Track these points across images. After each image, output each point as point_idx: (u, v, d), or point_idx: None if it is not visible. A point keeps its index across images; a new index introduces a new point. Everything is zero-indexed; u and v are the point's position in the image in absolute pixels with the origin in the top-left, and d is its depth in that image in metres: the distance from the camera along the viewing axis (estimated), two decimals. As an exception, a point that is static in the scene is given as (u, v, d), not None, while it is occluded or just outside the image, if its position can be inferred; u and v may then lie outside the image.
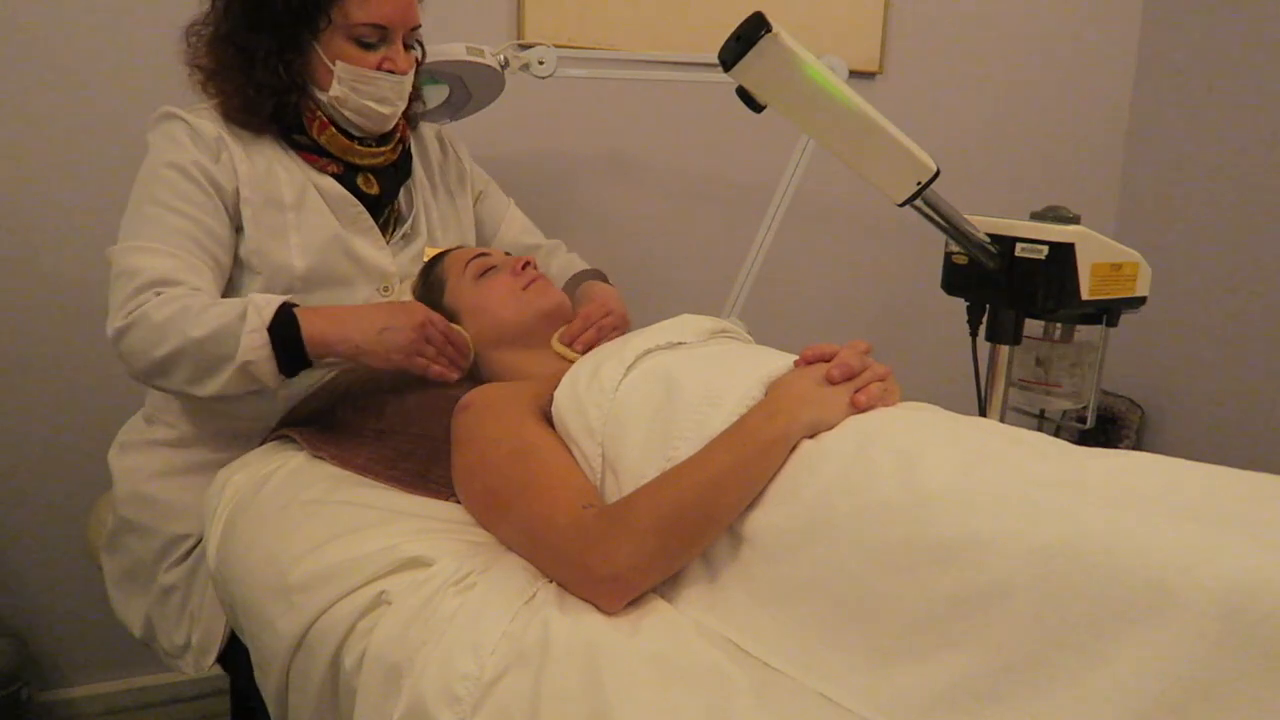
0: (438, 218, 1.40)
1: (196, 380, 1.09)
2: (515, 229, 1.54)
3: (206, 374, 1.08)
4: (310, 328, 1.10)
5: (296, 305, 1.12)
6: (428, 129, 1.44)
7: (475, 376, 1.22)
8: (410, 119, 1.36)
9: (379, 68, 1.21)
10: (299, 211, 1.22)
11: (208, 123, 1.19)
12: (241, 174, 1.19)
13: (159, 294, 1.09)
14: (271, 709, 0.98)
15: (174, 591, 1.24)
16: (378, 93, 1.22)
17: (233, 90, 1.19)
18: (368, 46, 1.20)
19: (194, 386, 1.09)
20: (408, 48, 1.25)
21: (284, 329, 1.08)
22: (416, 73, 1.30)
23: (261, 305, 1.09)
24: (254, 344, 1.07)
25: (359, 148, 1.27)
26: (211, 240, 1.17)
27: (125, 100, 1.58)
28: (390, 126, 1.28)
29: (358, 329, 1.12)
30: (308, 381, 1.22)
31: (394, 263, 1.31)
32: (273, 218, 1.21)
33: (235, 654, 1.19)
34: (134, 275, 1.10)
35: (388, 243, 1.32)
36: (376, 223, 1.30)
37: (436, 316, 1.15)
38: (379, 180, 1.30)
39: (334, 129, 1.24)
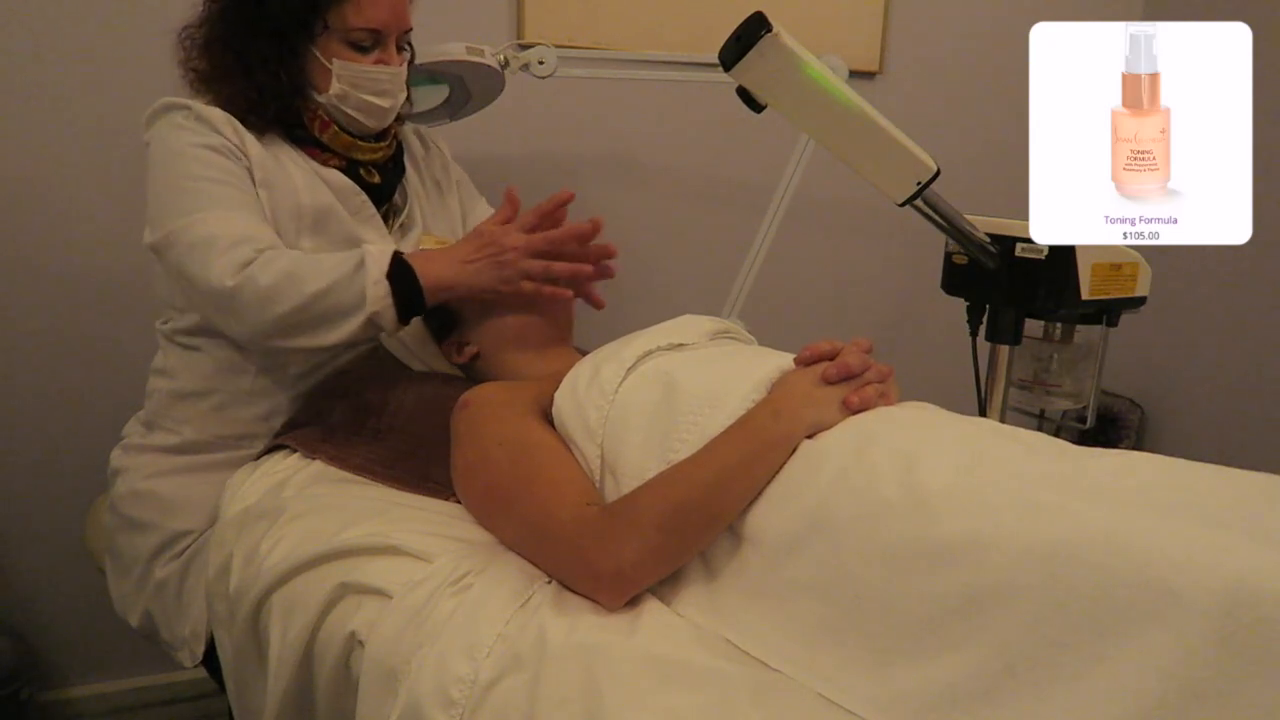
0: (428, 208, 1.42)
1: (317, 333, 1.10)
2: None
3: (329, 326, 1.09)
4: (426, 275, 1.11)
5: (404, 253, 1.13)
6: (406, 127, 1.45)
7: (477, 376, 1.22)
8: (397, 117, 1.37)
9: None
10: (309, 199, 1.23)
11: (215, 109, 1.20)
12: (254, 157, 1.19)
13: (256, 250, 1.09)
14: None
15: (167, 585, 1.24)
16: (377, 86, 1.23)
17: (234, 93, 1.20)
18: (362, 50, 1.22)
19: (314, 339, 1.10)
20: (399, 49, 1.27)
21: (402, 278, 1.09)
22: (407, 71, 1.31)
23: (377, 255, 1.10)
24: (379, 294, 1.08)
25: (361, 144, 1.28)
26: (260, 205, 1.18)
27: (126, 97, 1.57)
28: (390, 119, 1.30)
29: (464, 268, 1.13)
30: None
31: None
32: (282, 205, 1.21)
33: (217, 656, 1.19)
34: (213, 240, 1.09)
35: (390, 231, 1.33)
36: (378, 212, 1.31)
37: (514, 237, 1.13)
38: (379, 172, 1.32)
39: (336, 128, 1.25)
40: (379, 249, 1.11)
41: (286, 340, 1.11)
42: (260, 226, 1.15)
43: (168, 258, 1.14)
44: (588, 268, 1.18)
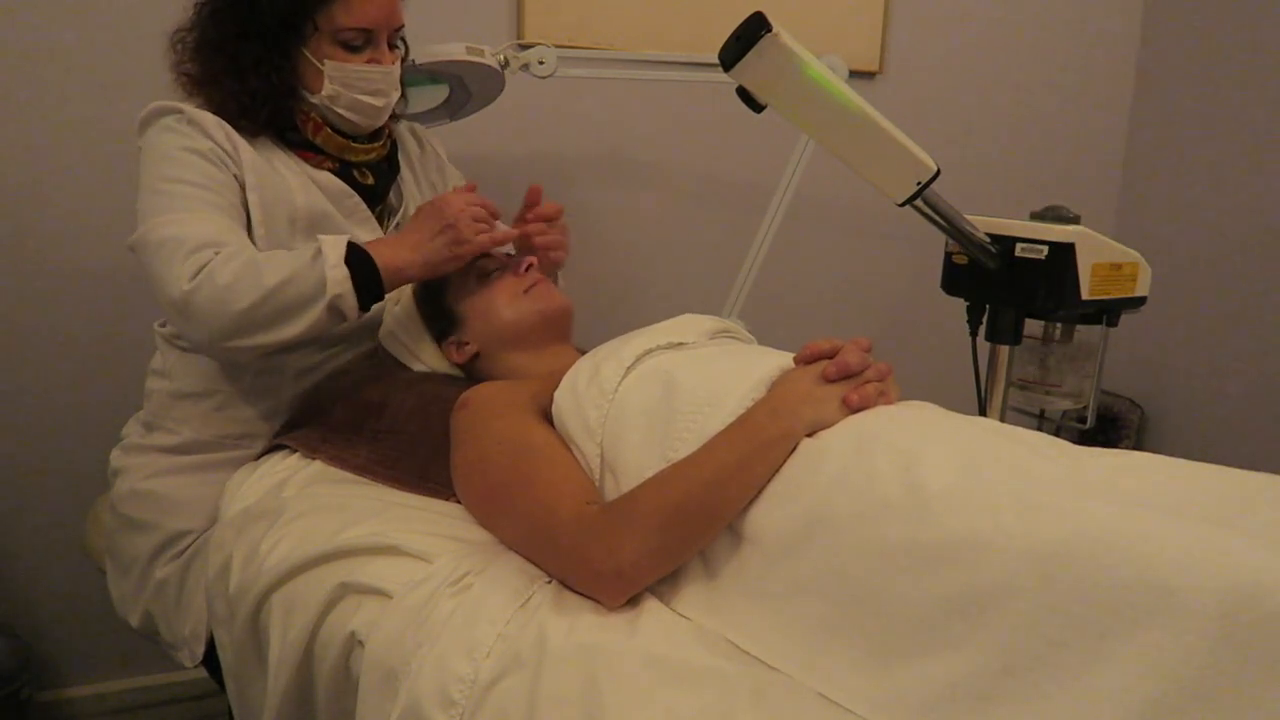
0: None
1: (279, 327, 1.09)
2: None
3: (290, 317, 1.08)
4: (381, 258, 1.12)
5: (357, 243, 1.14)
6: (401, 125, 1.45)
7: (477, 376, 1.22)
8: (392, 115, 1.37)
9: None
10: (303, 201, 1.23)
11: (207, 114, 1.19)
12: (245, 161, 1.19)
13: (216, 253, 1.08)
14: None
15: (168, 585, 1.24)
16: (370, 85, 1.23)
17: (226, 97, 1.20)
18: (354, 49, 1.21)
19: (275, 334, 1.09)
20: (392, 47, 1.26)
21: (359, 263, 1.10)
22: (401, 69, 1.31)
23: (333, 243, 1.10)
24: (339, 278, 1.08)
25: (354, 145, 1.28)
26: (238, 213, 1.18)
27: (124, 98, 1.58)
28: (384, 119, 1.29)
29: (418, 248, 1.15)
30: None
31: None
32: (276, 209, 1.21)
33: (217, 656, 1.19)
34: (179, 242, 1.09)
35: (384, 232, 1.33)
36: (372, 213, 1.31)
37: (455, 197, 1.18)
38: (373, 173, 1.32)
39: (329, 129, 1.25)
40: (333, 238, 1.11)
41: (247, 338, 1.08)
42: (231, 233, 1.14)
43: (139, 258, 1.14)
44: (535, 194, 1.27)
